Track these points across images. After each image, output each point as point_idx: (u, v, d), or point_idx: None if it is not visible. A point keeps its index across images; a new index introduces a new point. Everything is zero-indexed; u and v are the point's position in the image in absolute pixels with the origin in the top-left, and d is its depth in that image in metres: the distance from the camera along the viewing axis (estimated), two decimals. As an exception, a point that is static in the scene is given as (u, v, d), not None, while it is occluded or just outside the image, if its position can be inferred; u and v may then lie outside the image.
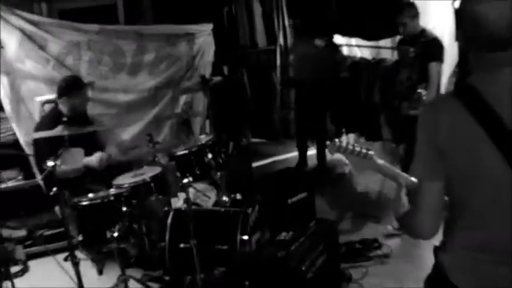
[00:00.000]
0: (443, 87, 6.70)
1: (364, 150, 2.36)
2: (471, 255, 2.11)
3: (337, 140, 2.38)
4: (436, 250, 2.26)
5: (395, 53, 6.82)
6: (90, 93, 5.70)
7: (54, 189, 4.15)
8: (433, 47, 5.54)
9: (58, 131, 4.66)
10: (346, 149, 2.37)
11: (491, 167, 1.96)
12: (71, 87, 5.32)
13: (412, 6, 5.64)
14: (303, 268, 4.27)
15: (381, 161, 2.33)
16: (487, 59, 2.00)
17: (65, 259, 5.16)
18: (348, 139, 6.47)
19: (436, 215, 2.14)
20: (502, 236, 2.02)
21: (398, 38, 6.37)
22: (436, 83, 5.55)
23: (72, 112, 5.28)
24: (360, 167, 2.40)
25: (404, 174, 2.22)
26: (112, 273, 4.72)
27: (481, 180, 2.00)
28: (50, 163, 4.21)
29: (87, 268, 5.51)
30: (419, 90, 5.44)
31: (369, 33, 8.31)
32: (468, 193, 2.06)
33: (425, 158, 2.13)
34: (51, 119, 5.26)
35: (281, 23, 9.66)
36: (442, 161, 2.05)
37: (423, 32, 5.64)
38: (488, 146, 1.93)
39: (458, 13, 2.07)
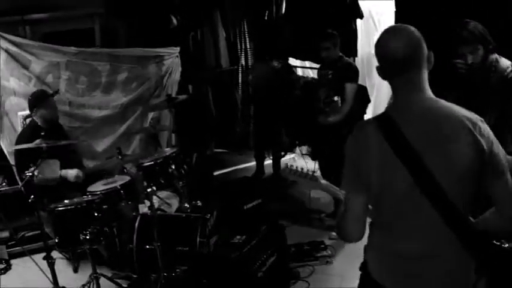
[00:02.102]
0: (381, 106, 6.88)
1: (310, 173, 2.53)
2: (386, 255, 2.25)
3: (288, 165, 2.54)
4: (364, 249, 2.38)
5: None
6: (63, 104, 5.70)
7: (32, 196, 4.19)
8: (348, 70, 5.86)
9: (36, 143, 4.71)
10: (295, 172, 2.54)
11: (398, 182, 2.08)
12: (38, 99, 5.40)
13: (336, 37, 5.88)
14: (254, 268, 4.36)
15: (324, 181, 2.50)
16: (398, 83, 2.18)
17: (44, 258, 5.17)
18: (300, 151, 6.57)
19: (360, 223, 2.23)
20: (408, 242, 2.16)
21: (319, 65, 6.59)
22: (351, 99, 5.77)
23: (45, 122, 5.37)
24: (308, 187, 2.57)
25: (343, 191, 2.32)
26: (87, 271, 4.72)
27: (390, 194, 2.12)
28: (29, 172, 4.25)
29: (64, 266, 5.53)
30: (335, 99, 5.68)
31: (319, 57, 8.43)
32: (380, 204, 2.19)
33: (349, 175, 2.24)
34: (30, 132, 5.30)
35: (243, 46, 9.71)
36: (362, 177, 2.15)
37: (341, 58, 5.92)
38: (396, 163, 2.05)
39: (375, 51, 2.22)
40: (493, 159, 2.09)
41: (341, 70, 5.80)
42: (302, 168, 2.62)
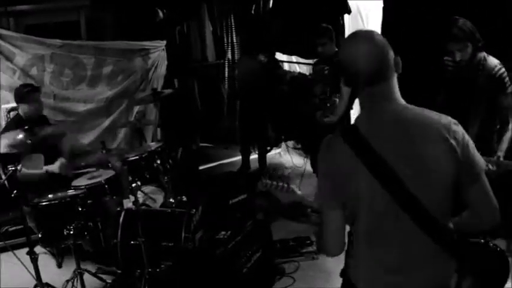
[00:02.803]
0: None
1: (286, 185, 2.53)
2: (365, 266, 2.18)
3: (263, 180, 2.52)
4: (345, 254, 2.30)
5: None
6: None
7: (15, 191, 4.14)
8: None
9: (20, 137, 4.65)
10: (271, 185, 2.53)
11: (371, 195, 2.01)
12: (24, 93, 5.33)
13: (331, 31, 5.85)
14: (239, 263, 4.34)
15: (299, 193, 2.49)
16: (365, 95, 2.11)
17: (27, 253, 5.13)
18: (287, 146, 6.57)
19: (338, 237, 2.16)
20: (386, 254, 2.10)
21: (315, 60, 6.51)
22: (347, 97, 5.70)
23: (29, 116, 5.31)
24: (284, 199, 2.54)
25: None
26: (71, 266, 4.67)
27: (365, 207, 2.05)
28: (12, 167, 4.20)
29: (48, 261, 5.48)
30: (334, 98, 5.63)
31: (306, 52, 8.43)
32: (357, 217, 2.10)
33: (324, 190, 2.16)
34: (14, 125, 5.24)
35: (230, 40, 9.71)
36: (337, 191, 2.09)
37: (337, 53, 5.75)
38: (367, 176, 1.99)
39: (338, 59, 2.15)
40: (468, 162, 2.03)
41: (337, 66, 5.70)
42: (277, 182, 2.62)
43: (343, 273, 2.31)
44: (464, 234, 2.17)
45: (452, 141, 1.99)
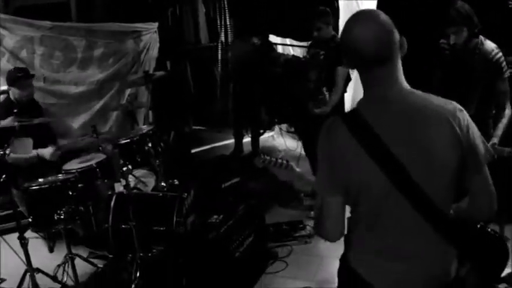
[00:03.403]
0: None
1: (284, 162, 2.54)
2: (366, 253, 2.15)
3: (262, 155, 2.49)
4: (345, 240, 2.25)
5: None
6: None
7: (4, 176, 4.09)
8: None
9: (9, 121, 4.60)
10: (270, 161, 2.56)
11: (371, 181, 1.98)
12: (16, 78, 5.28)
13: (328, 14, 5.64)
14: (231, 248, 4.32)
15: (298, 170, 2.50)
16: (367, 79, 2.05)
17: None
18: (280, 129, 6.59)
19: (338, 224, 2.13)
20: (387, 242, 2.08)
21: (309, 42, 6.30)
22: (342, 85, 5.60)
23: (20, 100, 5.26)
24: (283, 176, 2.61)
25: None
26: (62, 251, 4.65)
27: (366, 194, 2.02)
28: (0, 151, 4.15)
29: (39, 246, 5.47)
30: (324, 91, 5.54)
31: (301, 35, 8.39)
32: (358, 204, 2.09)
33: (324, 176, 2.12)
34: (3, 108, 5.18)
35: (223, 22, 9.66)
36: (338, 177, 2.05)
37: (334, 37, 5.63)
38: (367, 161, 1.95)
39: (341, 41, 2.08)
40: (471, 152, 1.99)
41: (334, 51, 5.50)
42: (276, 158, 2.61)
43: (343, 258, 2.26)
44: (462, 220, 2.13)
45: (457, 129, 1.94)
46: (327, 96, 5.54)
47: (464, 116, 1.99)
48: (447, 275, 2.12)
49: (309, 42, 6.27)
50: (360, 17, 2.03)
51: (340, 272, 2.30)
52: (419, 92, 2.03)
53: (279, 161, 2.57)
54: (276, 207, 6.13)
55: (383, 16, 1.99)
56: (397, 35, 2.00)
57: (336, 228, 2.13)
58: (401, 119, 1.97)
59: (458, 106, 2.01)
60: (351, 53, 2.02)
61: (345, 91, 5.86)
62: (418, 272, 2.07)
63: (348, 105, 6.43)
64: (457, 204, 2.14)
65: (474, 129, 2.01)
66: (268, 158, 2.59)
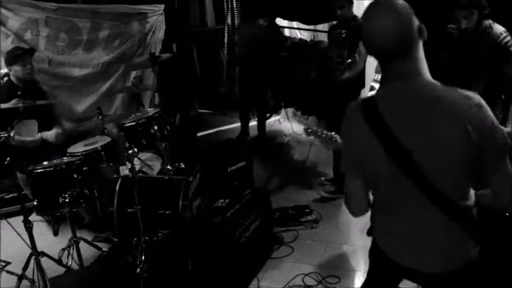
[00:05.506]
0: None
1: (330, 134, 2.82)
2: (385, 231, 2.34)
3: (306, 127, 2.90)
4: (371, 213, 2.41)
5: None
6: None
7: (8, 158, 4.05)
8: None
9: (12, 103, 4.55)
10: (316, 133, 2.84)
11: (383, 168, 2.09)
12: (16, 55, 5.21)
13: None
14: (237, 233, 4.30)
15: (340, 141, 2.70)
16: (385, 70, 2.09)
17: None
18: (286, 113, 6.63)
19: (361, 203, 2.33)
20: (401, 223, 2.21)
21: (331, 24, 6.36)
22: (364, 58, 5.62)
23: (23, 79, 5.19)
24: (327, 147, 2.94)
25: None
26: (67, 235, 4.61)
27: (378, 177, 2.17)
28: (4, 133, 4.10)
29: (44, 229, 5.46)
30: (353, 56, 5.60)
31: (308, 18, 8.32)
32: (375, 187, 2.26)
33: (346, 159, 2.32)
34: (6, 91, 5.13)
35: (229, 5, 9.60)
36: (356, 161, 2.21)
37: (355, 17, 5.70)
38: (379, 150, 2.05)
39: (361, 29, 2.09)
40: (487, 150, 1.95)
41: (355, 30, 5.56)
42: (323, 131, 2.89)
43: (369, 232, 2.45)
44: (487, 208, 2.17)
45: (469, 127, 1.89)
46: (357, 57, 5.62)
47: (480, 112, 1.93)
48: (464, 257, 2.16)
49: (331, 24, 6.38)
50: (377, 8, 2.02)
51: (371, 250, 2.51)
52: (437, 84, 2.01)
53: (325, 132, 2.83)
54: (281, 192, 6.11)
55: (401, 5, 1.98)
56: (416, 22, 1.99)
57: (359, 207, 2.35)
58: (413, 113, 1.99)
59: (476, 101, 1.94)
60: (370, 46, 2.07)
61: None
62: (436, 255, 2.16)
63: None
64: (481, 192, 2.15)
65: (491, 127, 1.94)
66: (315, 128, 2.88)
